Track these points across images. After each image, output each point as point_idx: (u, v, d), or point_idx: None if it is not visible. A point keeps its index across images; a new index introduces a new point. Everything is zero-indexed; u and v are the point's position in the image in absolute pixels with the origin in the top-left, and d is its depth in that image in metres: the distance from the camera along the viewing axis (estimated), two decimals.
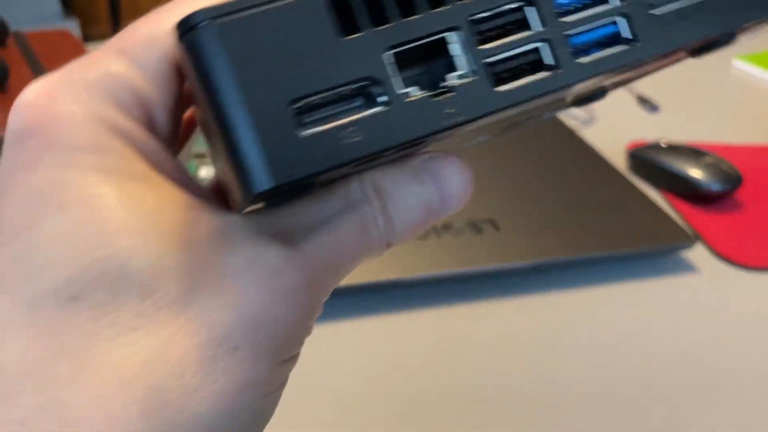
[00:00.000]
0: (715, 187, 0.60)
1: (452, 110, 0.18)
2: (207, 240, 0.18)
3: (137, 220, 0.17)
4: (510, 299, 0.51)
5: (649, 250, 0.54)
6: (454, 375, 0.44)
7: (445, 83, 0.18)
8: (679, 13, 0.20)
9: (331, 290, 0.21)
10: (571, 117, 0.78)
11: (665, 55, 0.21)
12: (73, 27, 2.02)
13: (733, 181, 0.61)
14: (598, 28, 0.20)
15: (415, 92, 0.18)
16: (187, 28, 0.17)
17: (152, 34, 0.19)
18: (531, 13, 0.19)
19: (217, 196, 0.22)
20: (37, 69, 0.75)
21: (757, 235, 0.58)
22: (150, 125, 0.20)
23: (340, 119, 0.18)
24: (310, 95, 0.17)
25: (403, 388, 0.43)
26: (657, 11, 0.20)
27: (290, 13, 0.17)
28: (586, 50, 0.20)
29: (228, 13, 0.17)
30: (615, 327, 0.49)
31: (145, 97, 0.19)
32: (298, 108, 0.17)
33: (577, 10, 0.20)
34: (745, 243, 0.57)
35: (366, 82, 0.18)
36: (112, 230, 0.17)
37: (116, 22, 2.16)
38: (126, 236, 0.17)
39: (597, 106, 0.78)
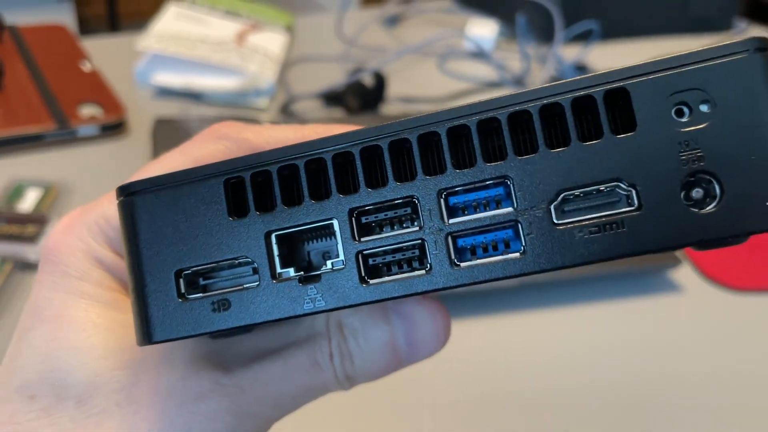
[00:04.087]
0: None
1: (315, 297, 0.19)
2: (150, 360, 0.22)
3: (89, 340, 0.22)
4: (496, 317, 0.51)
5: (634, 269, 0.54)
6: (437, 384, 0.45)
7: (317, 269, 0.19)
8: (586, 229, 0.18)
9: (275, 419, 0.22)
10: None
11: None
12: (67, 8, 2.01)
13: None
14: (491, 231, 0.19)
15: (287, 274, 0.19)
16: (119, 194, 0.21)
17: None
18: (418, 209, 0.19)
19: None
20: (32, 66, 0.74)
21: (743, 257, 0.58)
22: None
23: (217, 291, 0.20)
24: (194, 267, 0.20)
25: (399, 397, 0.44)
26: (560, 223, 0.18)
27: (194, 193, 0.20)
28: (473, 252, 0.19)
29: (149, 189, 0.20)
30: (599, 345, 0.49)
31: None
32: (186, 276, 0.20)
33: (470, 210, 0.19)
34: (731, 264, 0.58)
35: (244, 260, 0.20)
36: (67, 348, 0.22)
37: (111, 1, 2.14)
38: (75, 354, 0.22)
39: None
